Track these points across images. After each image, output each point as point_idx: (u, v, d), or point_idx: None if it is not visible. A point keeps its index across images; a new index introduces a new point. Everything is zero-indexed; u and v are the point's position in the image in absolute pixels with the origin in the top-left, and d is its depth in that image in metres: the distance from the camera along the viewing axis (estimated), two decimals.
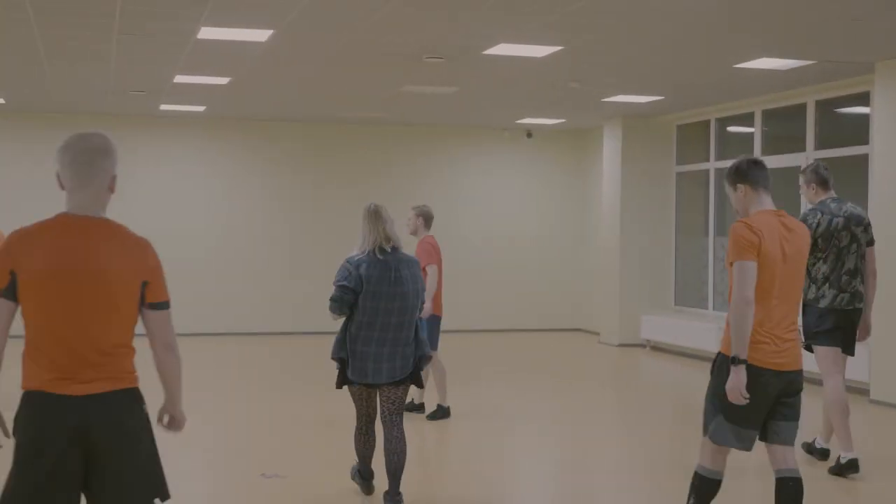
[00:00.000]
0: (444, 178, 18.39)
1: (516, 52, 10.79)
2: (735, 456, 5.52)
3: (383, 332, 6.44)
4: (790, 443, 5.36)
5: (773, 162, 13.76)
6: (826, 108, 13.12)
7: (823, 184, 7.88)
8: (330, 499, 7.05)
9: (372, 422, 6.82)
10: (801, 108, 13.29)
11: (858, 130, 12.40)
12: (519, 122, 17.45)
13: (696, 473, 5.41)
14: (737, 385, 5.09)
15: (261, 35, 10.11)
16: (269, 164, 17.73)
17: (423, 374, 6.97)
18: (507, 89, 13.56)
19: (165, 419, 4.08)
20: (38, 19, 9.48)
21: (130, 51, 11.00)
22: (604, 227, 16.99)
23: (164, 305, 3.92)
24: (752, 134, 14.35)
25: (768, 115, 14.12)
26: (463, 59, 11.20)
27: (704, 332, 14.23)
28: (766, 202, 5.39)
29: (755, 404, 5.17)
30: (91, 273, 3.73)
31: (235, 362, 14.53)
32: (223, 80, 13.03)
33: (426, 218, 9.59)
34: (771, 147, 14.08)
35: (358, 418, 6.83)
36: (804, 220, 7.59)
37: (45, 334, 3.70)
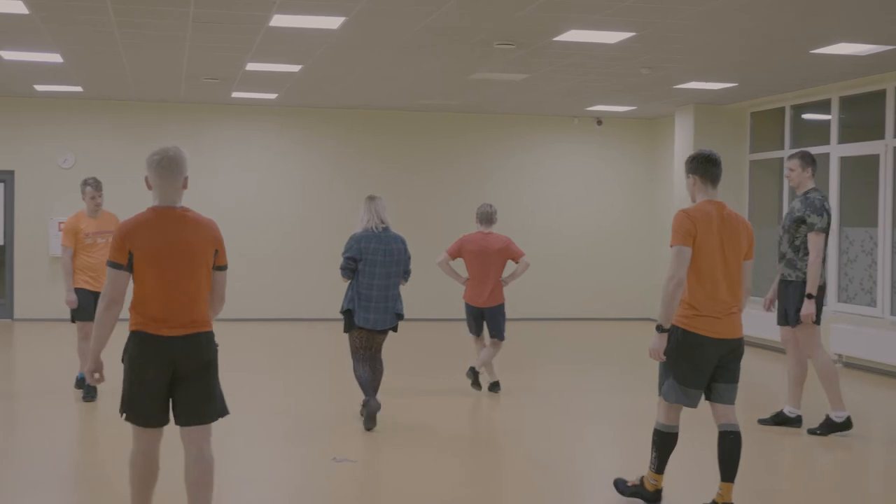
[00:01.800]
0: (512, 166, 18.36)
1: (587, 38, 10.72)
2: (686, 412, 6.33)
3: (378, 290, 8.59)
4: (731, 402, 6.16)
5: (850, 150, 13.57)
6: None
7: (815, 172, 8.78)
8: (400, 483, 7.09)
9: (367, 360, 8.79)
10: (881, 95, 13.02)
11: None
12: (589, 109, 17.35)
13: (655, 430, 6.23)
14: (657, 347, 6.00)
15: (332, 22, 10.15)
16: (340, 151, 17.83)
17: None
18: (577, 76, 13.49)
19: None
20: (116, 7, 9.61)
21: (204, 38, 11.12)
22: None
23: (224, 268, 5.29)
24: (828, 121, 14.11)
25: (846, 102, 13.87)
26: (533, 45, 11.16)
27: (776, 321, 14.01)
28: (711, 194, 6.28)
29: (699, 367, 6.03)
30: (182, 248, 5.07)
31: (310, 348, 14.64)
32: (295, 68, 13.12)
33: (478, 216, 10.48)
34: (848, 135, 13.83)
35: (354, 354, 8.82)
36: (824, 208, 8.52)
37: (153, 293, 5.03)
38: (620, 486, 6.54)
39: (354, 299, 8.62)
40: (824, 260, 8.60)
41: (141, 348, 5.05)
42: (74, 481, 7.15)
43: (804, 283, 8.60)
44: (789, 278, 8.71)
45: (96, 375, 5.19)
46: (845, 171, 13.83)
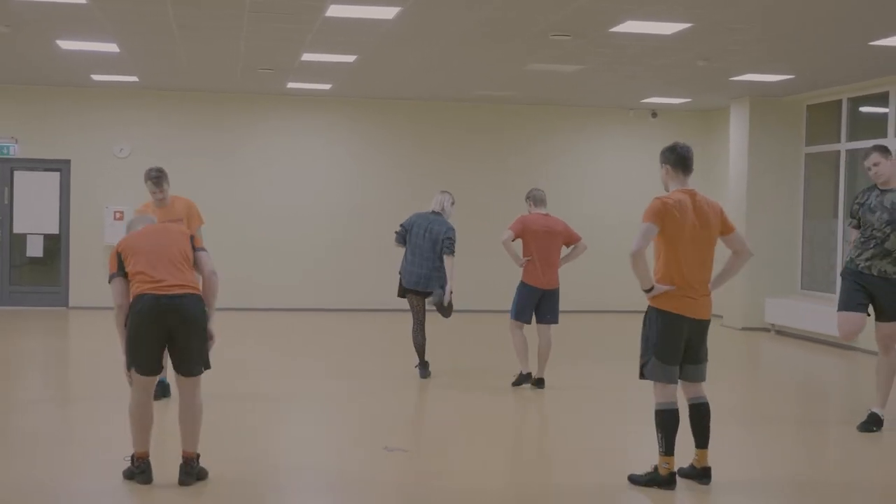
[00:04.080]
0: (566, 158, 18.28)
1: (643, 29, 10.65)
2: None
3: (417, 257, 10.44)
4: (700, 380, 6.69)
5: None
6: None
7: None
8: (452, 474, 7.09)
9: (422, 322, 10.64)
10: None
11: None
12: (644, 101, 17.24)
13: (655, 412, 6.55)
14: (658, 291, 6.48)
15: (388, 12, 10.16)
16: (394, 142, 17.84)
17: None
18: (632, 67, 13.40)
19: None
20: None
21: (260, 28, 11.17)
22: (729, 208, 16.59)
23: (202, 249, 6.64)
24: (886, 115, 13.91)
25: None
26: (589, 36, 11.10)
27: (832, 316, 13.83)
28: (683, 182, 6.68)
29: (675, 344, 6.52)
30: (167, 235, 6.60)
31: (366, 338, 14.68)
32: (350, 59, 13.14)
33: (531, 198, 10.46)
34: None
35: (413, 320, 10.66)
36: None
37: (145, 268, 6.29)
38: (635, 478, 6.66)
39: (403, 266, 10.62)
40: None
41: (141, 305, 6.23)
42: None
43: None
44: (894, 277, 8.37)
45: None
46: None
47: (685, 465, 6.71)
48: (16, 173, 16.94)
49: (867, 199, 8.52)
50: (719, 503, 6.50)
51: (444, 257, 10.33)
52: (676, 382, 6.60)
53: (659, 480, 6.52)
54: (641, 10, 9.79)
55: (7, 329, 14.54)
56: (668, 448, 6.49)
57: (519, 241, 10.15)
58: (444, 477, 6.99)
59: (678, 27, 10.50)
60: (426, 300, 10.53)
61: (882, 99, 14.05)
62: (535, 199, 10.36)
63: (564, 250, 10.36)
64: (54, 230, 17.07)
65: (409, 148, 17.88)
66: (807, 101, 15.84)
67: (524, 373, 10.24)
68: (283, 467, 7.08)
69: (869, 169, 8.52)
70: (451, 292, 10.39)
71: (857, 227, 8.58)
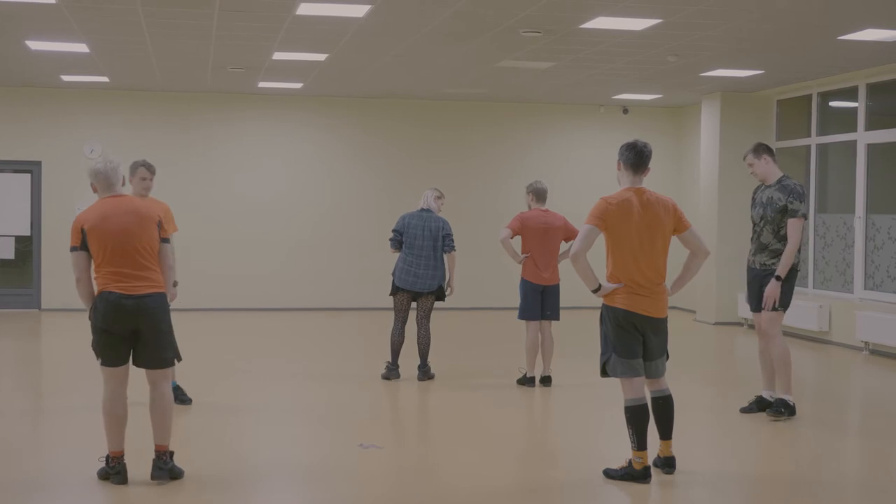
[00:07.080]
0: (538, 155, 18.31)
1: (614, 25, 10.69)
2: None
3: (418, 258, 10.25)
4: (659, 375, 6.73)
5: (878, 137, 13.47)
6: None
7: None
8: (427, 471, 7.10)
9: (404, 323, 10.43)
10: None
11: None
12: (615, 97, 17.29)
13: (625, 409, 6.59)
14: (606, 290, 6.58)
15: (358, 10, 10.15)
16: (366, 140, 17.83)
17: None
18: (603, 64, 13.44)
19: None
20: None
21: (231, 27, 11.13)
22: (701, 204, 16.77)
23: (167, 241, 6.61)
24: (855, 108, 14.02)
25: (873, 89, 13.77)
26: (560, 32, 11.13)
27: (804, 310, 13.96)
28: (635, 181, 6.69)
29: (632, 339, 6.56)
30: (137, 221, 6.42)
31: (337, 336, 14.66)
32: (321, 57, 13.12)
33: (533, 193, 10.28)
34: (875, 122, 13.74)
35: (395, 319, 10.46)
36: (804, 194, 8.57)
37: (111, 262, 6.29)
38: (610, 472, 6.73)
39: (399, 266, 10.34)
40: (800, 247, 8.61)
41: (107, 304, 6.26)
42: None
43: (792, 270, 8.62)
44: (774, 268, 8.61)
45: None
46: (872, 158, 13.75)
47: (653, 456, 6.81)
48: None
49: (754, 196, 8.92)
50: (693, 497, 6.55)
51: (446, 255, 10.30)
52: (642, 375, 6.64)
53: (634, 475, 6.59)
54: (612, 6, 9.82)
55: None
56: (640, 443, 6.56)
57: (519, 238, 10.18)
58: (420, 474, 7.00)
59: (648, 23, 10.54)
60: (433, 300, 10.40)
61: (851, 93, 14.15)
62: (536, 193, 10.26)
63: (564, 246, 10.26)
64: (25, 232, 16.96)
65: (381, 146, 17.87)
66: (777, 95, 15.93)
67: (528, 375, 10.27)
68: (259, 466, 7.06)
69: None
70: (451, 288, 10.49)
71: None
